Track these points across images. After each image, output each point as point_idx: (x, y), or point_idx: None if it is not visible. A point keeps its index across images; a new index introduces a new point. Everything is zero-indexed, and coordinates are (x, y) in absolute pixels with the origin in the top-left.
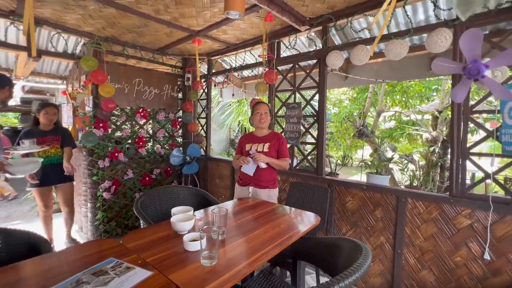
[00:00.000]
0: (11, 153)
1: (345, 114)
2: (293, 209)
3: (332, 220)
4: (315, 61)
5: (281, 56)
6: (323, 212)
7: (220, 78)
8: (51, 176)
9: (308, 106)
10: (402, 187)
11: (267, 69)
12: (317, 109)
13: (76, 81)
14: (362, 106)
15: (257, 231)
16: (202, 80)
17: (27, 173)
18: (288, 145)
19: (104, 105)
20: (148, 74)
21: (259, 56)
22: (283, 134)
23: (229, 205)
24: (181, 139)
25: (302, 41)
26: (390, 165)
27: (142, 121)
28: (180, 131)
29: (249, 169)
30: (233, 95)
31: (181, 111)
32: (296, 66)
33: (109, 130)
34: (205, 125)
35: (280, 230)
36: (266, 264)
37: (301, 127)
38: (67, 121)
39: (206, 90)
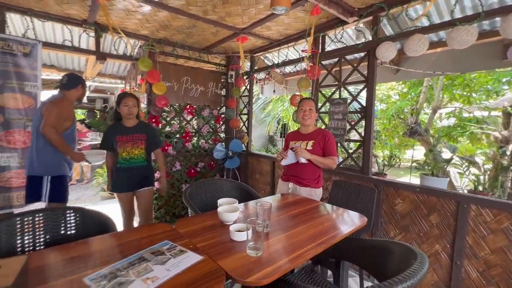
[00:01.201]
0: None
1: (394, 110)
2: (336, 207)
3: (379, 222)
4: (363, 54)
5: (326, 50)
6: (369, 213)
7: (261, 75)
8: (132, 181)
9: (354, 102)
10: (464, 191)
11: (310, 64)
12: (364, 104)
13: (133, 80)
14: (414, 101)
15: (299, 228)
16: (245, 77)
17: (99, 162)
18: None
19: (158, 102)
20: (195, 72)
21: (302, 51)
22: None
23: (270, 199)
24: (224, 135)
25: (349, 34)
26: (447, 168)
27: (188, 117)
28: (223, 127)
29: (287, 162)
30: (274, 91)
31: (224, 107)
32: (342, 60)
33: (160, 125)
34: (246, 121)
35: (323, 229)
36: (307, 261)
37: (347, 124)
38: None
39: (248, 87)
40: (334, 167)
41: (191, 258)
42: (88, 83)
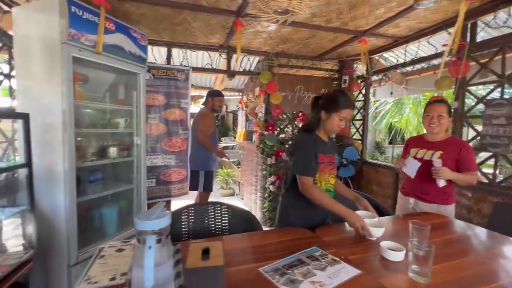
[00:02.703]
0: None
1: None
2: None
3: None
4: None
5: (478, 40)
6: None
7: (375, 77)
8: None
9: None
10: None
11: (453, 59)
12: None
13: (251, 92)
14: None
15: (461, 259)
16: (359, 81)
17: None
18: (488, 154)
19: (273, 111)
20: (307, 80)
21: (443, 45)
22: (478, 139)
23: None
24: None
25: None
26: None
27: (300, 124)
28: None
29: (407, 171)
30: (391, 93)
31: None
32: (507, 48)
33: (275, 132)
34: (360, 127)
35: (494, 269)
36: None
37: None
38: (241, 125)
39: (364, 91)
40: (474, 183)
41: (348, 270)
42: None
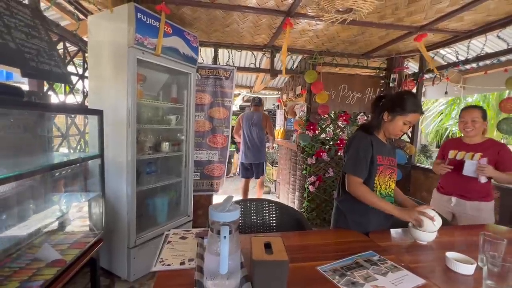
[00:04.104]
0: None
1: None
2: None
3: None
4: None
5: None
6: None
7: (427, 75)
8: None
9: None
10: None
11: None
12: None
13: (291, 91)
14: None
15: None
16: (410, 79)
17: None
18: None
19: (320, 110)
20: (352, 79)
21: None
22: None
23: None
24: None
25: None
26: None
27: (343, 125)
28: None
29: (469, 172)
30: (446, 93)
31: None
32: None
33: (317, 132)
34: (410, 129)
35: None
36: None
37: None
38: (279, 124)
39: (417, 90)
40: None
41: (411, 278)
42: (243, 94)
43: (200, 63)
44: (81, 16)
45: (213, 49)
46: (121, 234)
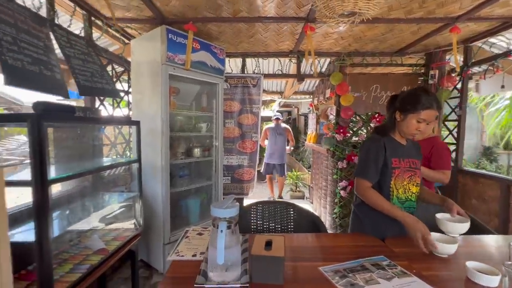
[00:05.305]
0: None
1: None
2: None
3: None
4: None
5: None
6: None
7: (477, 68)
8: None
9: None
10: None
11: None
12: None
13: (321, 94)
14: None
15: None
16: (453, 74)
17: None
18: None
19: (343, 113)
20: (385, 78)
21: None
22: None
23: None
24: None
25: None
26: None
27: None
28: None
29: None
30: (502, 86)
31: None
32: None
33: (348, 135)
34: (455, 129)
35: None
36: None
37: None
38: (311, 128)
39: (461, 86)
40: None
41: (419, 284)
42: (279, 100)
43: (229, 73)
44: (126, 41)
45: (241, 59)
46: (157, 231)
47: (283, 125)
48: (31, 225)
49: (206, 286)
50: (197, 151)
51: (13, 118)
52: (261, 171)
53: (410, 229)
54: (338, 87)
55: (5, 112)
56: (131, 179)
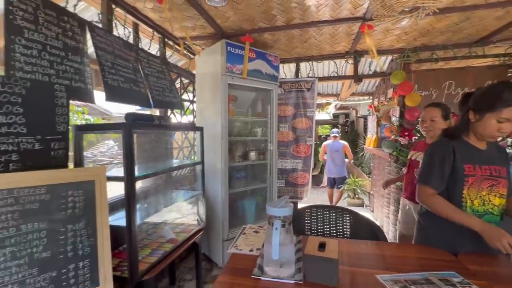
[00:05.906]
0: None
1: None
2: None
3: None
4: None
5: None
6: None
7: None
8: None
9: None
10: None
11: None
12: None
13: (382, 95)
14: None
15: None
16: None
17: None
18: None
19: (408, 114)
20: (461, 73)
21: None
22: None
23: None
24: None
25: None
26: None
27: None
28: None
29: None
30: None
31: None
32: None
33: (414, 138)
34: None
35: None
36: None
37: None
38: (371, 131)
39: None
40: None
41: None
42: (335, 102)
43: (282, 78)
44: (191, 56)
45: (295, 64)
46: (217, 227)
47: (341, 141)
48: (121, 214)
49: (262, 278)
50: (253, 155)
51: (112, 126)
52: (325, 184)
53: (491, 236)
54: (399, 86)
55: (104, 121)
56: (195, 179)
